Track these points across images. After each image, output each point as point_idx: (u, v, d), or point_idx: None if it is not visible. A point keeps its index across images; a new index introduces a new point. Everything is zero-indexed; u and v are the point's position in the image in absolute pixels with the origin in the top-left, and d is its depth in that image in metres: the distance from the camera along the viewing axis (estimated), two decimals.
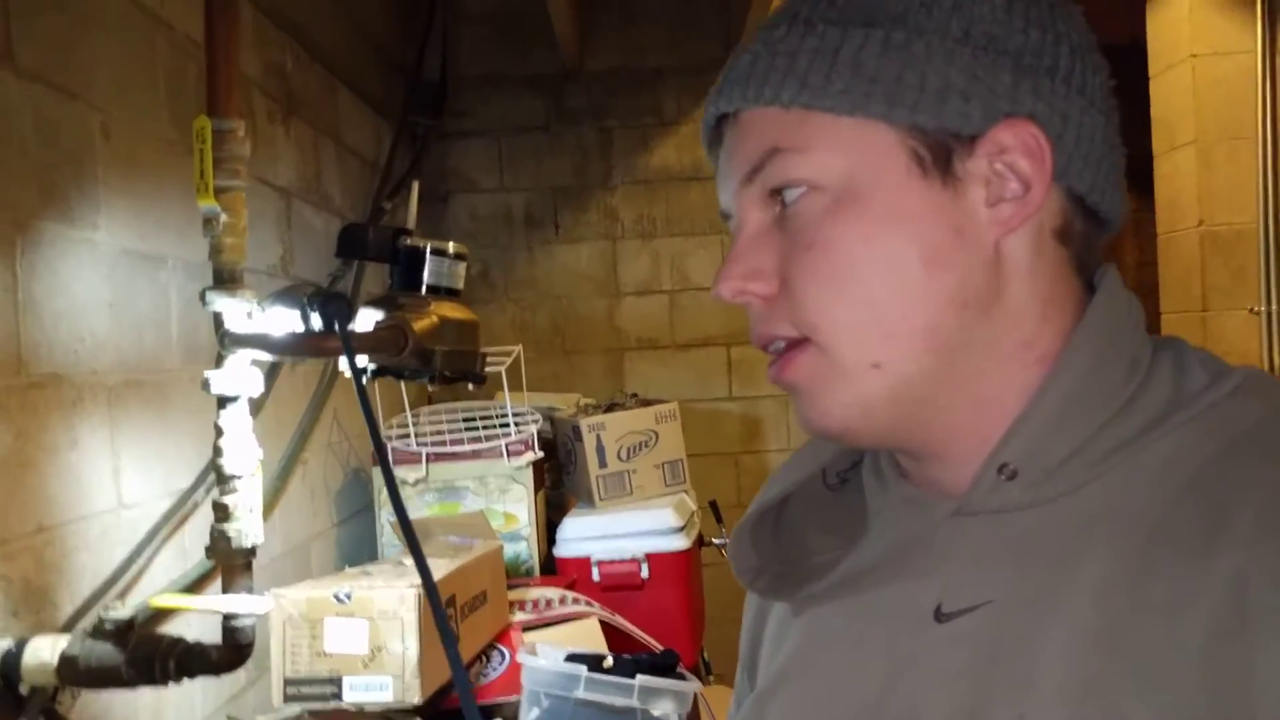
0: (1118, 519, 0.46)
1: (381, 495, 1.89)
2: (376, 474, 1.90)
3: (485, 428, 1.91)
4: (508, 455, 1.88)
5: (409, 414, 1.91)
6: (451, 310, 0.88)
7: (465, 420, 1.95)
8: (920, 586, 0.51)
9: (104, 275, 1.14)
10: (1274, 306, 2.35)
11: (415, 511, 1.84)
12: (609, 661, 1.24)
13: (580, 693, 1.15)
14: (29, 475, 0.96)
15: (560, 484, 2.19)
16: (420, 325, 0.82)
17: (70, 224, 1.08)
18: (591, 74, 2.96)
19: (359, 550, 1.89)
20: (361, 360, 0.82)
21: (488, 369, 1.96)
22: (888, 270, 0.49)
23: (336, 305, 0.72)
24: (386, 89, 2.55)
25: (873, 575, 0.54)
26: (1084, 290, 0.52)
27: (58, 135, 1.07)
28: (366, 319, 0.83)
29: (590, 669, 1.21)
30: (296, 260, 1.80)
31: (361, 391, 0.64)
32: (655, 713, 1.18)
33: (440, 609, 0.68)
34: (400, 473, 1.85)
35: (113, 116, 1.18)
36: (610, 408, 2.12)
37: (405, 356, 0.79)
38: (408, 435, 1.84)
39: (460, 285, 0.90)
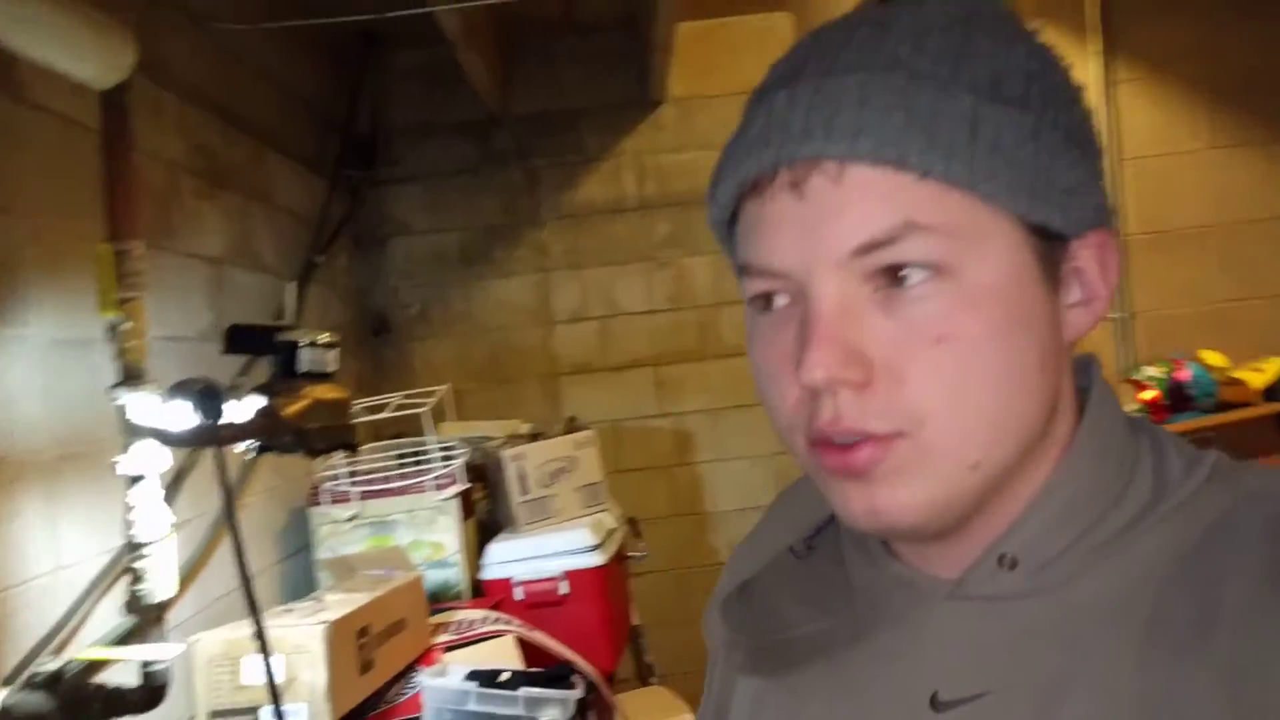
0: (1111, 612, 0.46)
1: (320, 533, 2.05)
2: (314, 513, 2.06)
3: (416, 463, 2.08)
4: (435, 488, 2.04)
5: (342, 454, 2.07)
6: (324, 391, 1.05)
7: (399, 457, 2.12)
8: (914, 671, 0.50)
9: (36, 364, 1.29)
10: (1124, 313, 2.53)
11: (350, 547, 2.01)
12: (504, 676, 1.42)
13: (473, 705, 1.33)
14: None
15: (494, 510, 2.36)
16: (293, 409, 0.98)
17: (1, 323, 1.24)
18: (516, 117, 3.13)
19: (300, 585, 2.05)
20: (246, 443, 0.98)
21: (415, 409, 2.13)
22: (1014, 373, 0.46)
23: (213, 403, 0.88)
24: (319, 145, 2.72)
25: (861, 655, 0.53)
26: None
27: None
28: (249, 405, 0.99)
29: (487, 684, 1.39)
30: (228, 322, 1.95)
31: (224, 476, 0.80)
32: (542, 718, 1.35)
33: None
34: (334, 510, 2.01)
35: (42, 220, 1.33)
36: (534, 437, 2.29)
37: (280, 437, 0.96)
38: (337, 476, 2.01)
39: (332, 369, 1.07)
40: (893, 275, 0.45)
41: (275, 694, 0.90)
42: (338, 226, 2.69)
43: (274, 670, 1.30)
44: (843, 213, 0.45)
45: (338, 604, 1.45)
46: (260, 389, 1.01)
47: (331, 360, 1.06)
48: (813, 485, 0.53)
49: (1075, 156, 0.46)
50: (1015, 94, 0.45)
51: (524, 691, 1.31)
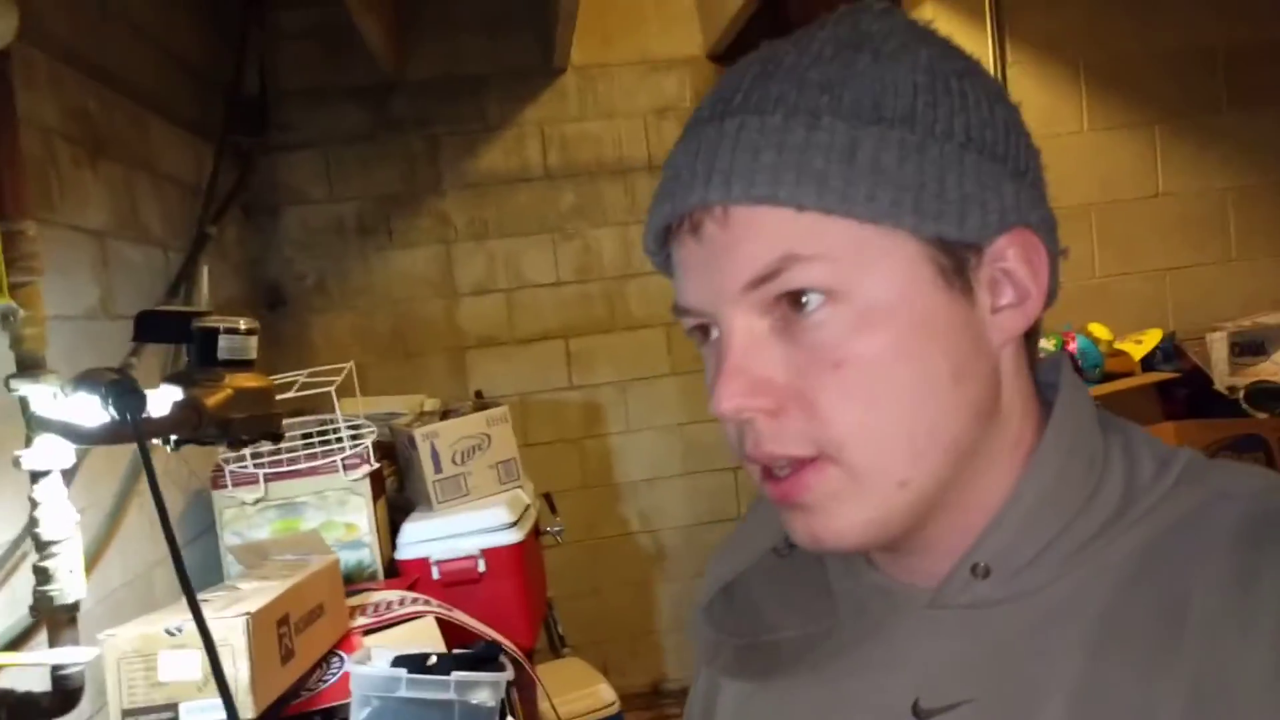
0: (1084, 617, 0.46)
1: (224, 517, 1.97)
2: (218, 496, 1.98)
3: (322, 443, 2.01)
4: (344, 469, 1.99)
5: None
6: (246, 380, 1.00)
7: (304, 437, 2.05)
8: (894, 680, 0.51)
9: None
10: None
11: (257, 530, 1.94)
12: (433, 660, 1.40)
13: (403, 692, 1.30)
14: None
15: (403, 488, 2.31)
16: (215, 399, 0.94)
17: None
18: (414, 83, 3.03)
19: (205, 572, 1.97)
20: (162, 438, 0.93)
21: (319, 389, 2.06)
22: (922, 387, 0.46)
23: (129, 399, 0.83)
24: (204, 110, 2.57)
25: (844, 663, 0.54)
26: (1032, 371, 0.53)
27: None
28: (165, 397, 0.94)
29: (415, 669, 1.37)
30: (117, 299, 1.85)
31: (151, 476, 0.76)
32: (473, 701, 1.34)
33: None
34: (239, 494, 1.93)
35: None
36: (445, 414, 2.25)
37: (202, 430, 0.91)
38: (242, 458, 1.93)
39: (253, 355, 1.02)
40: (790, 304, 0.46)
41: (224, 685, 0.86)
42: (228, 195, 2.56)
43: (191, 665, 1.25)
44: (731, 252, 0.47)
45: (255, 593, 1.40)
46: (177, 379, 0.96)
47: (252, 347, 1.01)
48: None
49: (974, 162, 0.46)
50: (899, 112, 0.45)
51: (455, 676, 1.30)
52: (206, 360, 0.95)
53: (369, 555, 2.01)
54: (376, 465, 2.06)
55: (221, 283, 2.58)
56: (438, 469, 2.11)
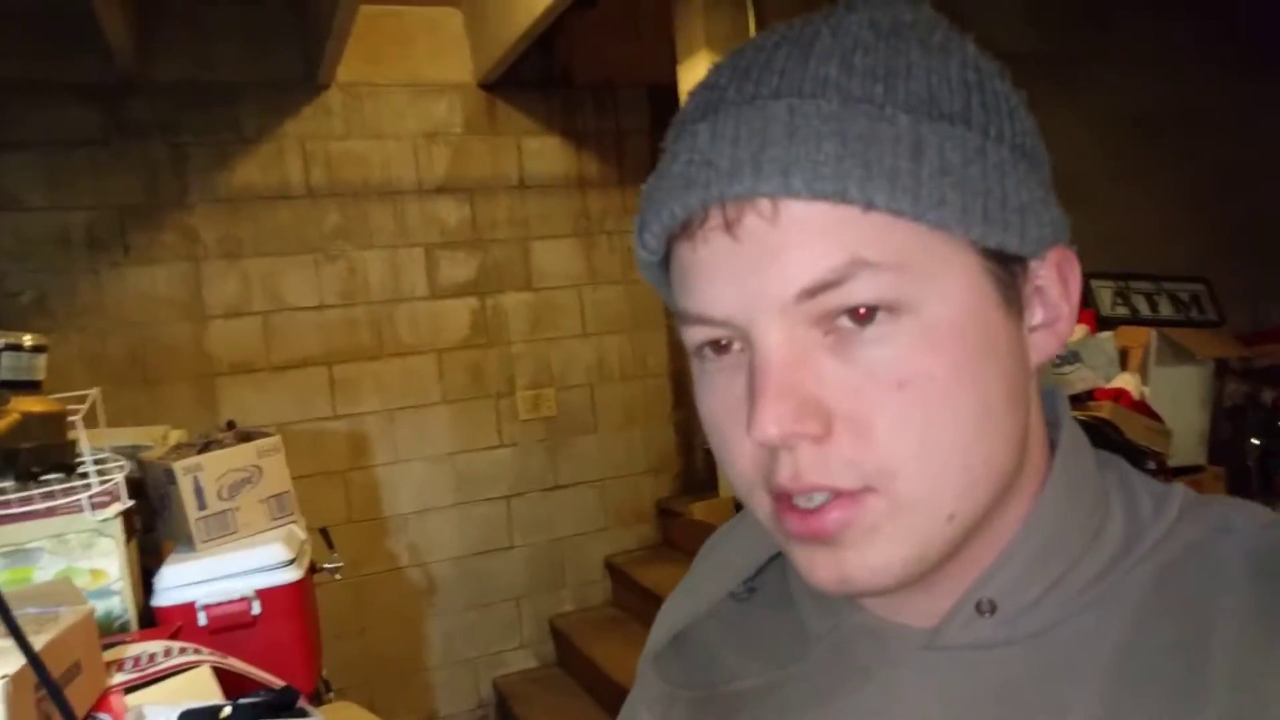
0: (1096, 659, 0.43)
1: None
2: None
3: (61, 480, 1.76)
4: (90, 508, 1.76)
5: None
6: (34, 404, 0.87)
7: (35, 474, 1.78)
8: None
9: None
10: None
11: None
12: (226, 711, 1.27)
13: None
14: None
15: (153, 528, 2.07)
16: (0, 425, 0.80)
17: None
18: (157, 85, 2.77)
19: None
20: None
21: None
22: (982, 412, 0.42)
23: None
24: None
25: (824, 710, 0.48)
26: None
27: None
28: None
29: None
30: None
31: None
32: None
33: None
34: None
35: None
36: (206, 446, 2.06)
37: None
38: None
39: (41, 376, 0.88)
40: (851, 316, 0.41)
41: None
42: None
43: None
44: (783, 254, 0.40)
45: (4, 653, 1.21)
46: None
47: (40, 366, 0.88)
48: (748, 524, 0.50)
49: (1025, 171, 0.42)
50: (955, 109, 0.41)
51: None
52: None
53: (119, 604, 1.78)
54: (131, 503, 1.84)
55: None
56: (201, 505, 1.92)
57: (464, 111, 3.25)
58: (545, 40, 3.22)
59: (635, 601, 3.38)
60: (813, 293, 0.40)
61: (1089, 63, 3.21)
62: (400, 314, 3.10)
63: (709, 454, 3.84)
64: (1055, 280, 0.45)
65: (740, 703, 0.51)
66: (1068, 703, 0.42)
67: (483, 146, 3.29)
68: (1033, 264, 0.44)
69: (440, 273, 3.21)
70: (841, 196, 0.39)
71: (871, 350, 0.41)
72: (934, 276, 0.41)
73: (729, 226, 0.41)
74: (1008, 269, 0.43)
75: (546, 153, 3.40)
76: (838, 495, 0.42)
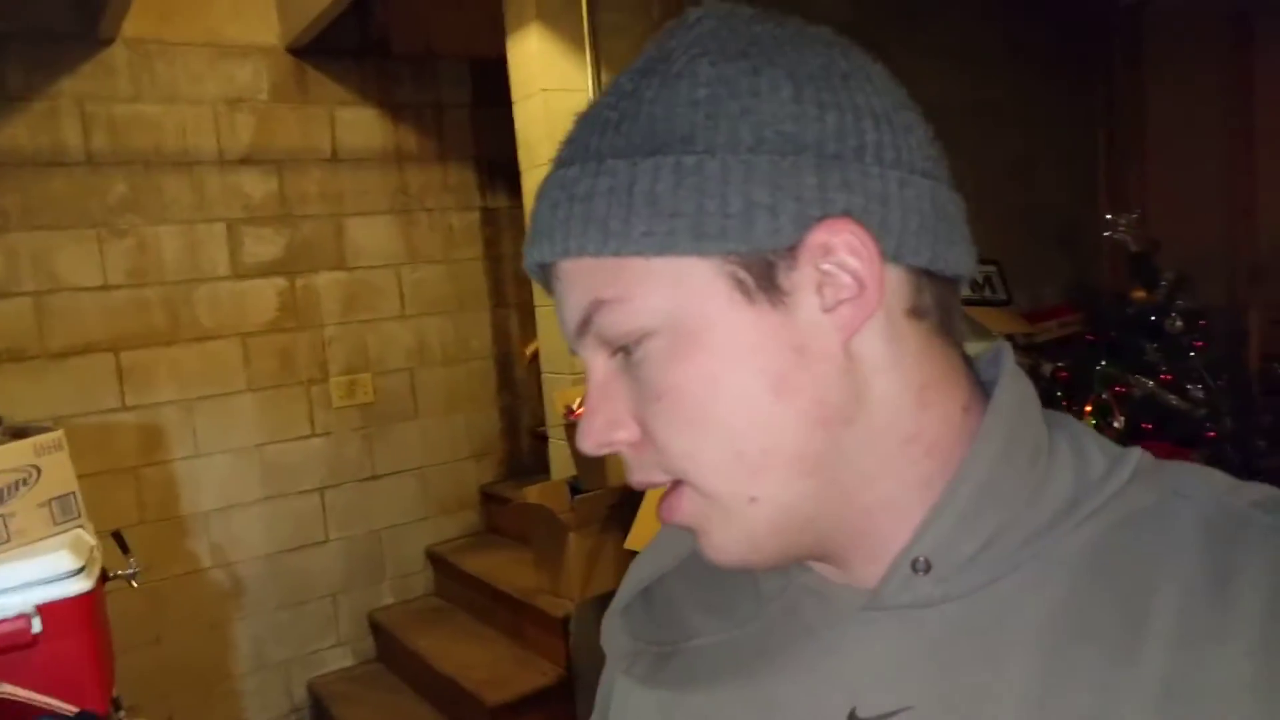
0: (1035, 616, 0.44)
1: None
2: None
3: None
4: None
5: None
6: None
7: None
8: (830, 687, 0.48)
9: None
10: None
11: None
12: None
13: None
14: None
15: None
16: None
17: None
18: None
19: None
20: None
21: None
22: (739, 407, 0.45)
23: None
24: None
25: (774, 670, 0.50)
26: (958, 355, 0.50)
27: None
28: None
29: None
30: None
31: None
32: None
33: None
34: None
35: None
36: None
37: None
38: None
39: None
40: (621, 343, 0.47)
41: None
42: None
43: None
44: (564, 302, 0.49)
45: None
46: None
47: None
48: None
49: (765, 164, 0.44)
50: (678, 134, 0.45)
51: None
52: None
53: None
54: None
55: None
56: None
57: (270, 77, 3.02)
58: (361, 4, 3.04)
59: (459, 590, 3.30)
60: (580, 331, 0.48)
61: (896, 45, 3.39)
62: (199, 295, 2.86)
63: (535, 437, 3.79)
64: (848, 252, 0.45)
65: (700, 659, 0.54)
66: (1004, 658, 0.44)
67: (292, 115, 3.07)
68: (807, 247, 0.45)
69: (244, 250, 2.98)
70: (568, 253, 0.47)
71: (640, 371, 0.47)
72: (664, 298, 0.46)
73: (546, 280, 0.51)
74: (754, 267, 0.45)
75: (362, 124, 3.22)
76: (671, 487, 0.49)
